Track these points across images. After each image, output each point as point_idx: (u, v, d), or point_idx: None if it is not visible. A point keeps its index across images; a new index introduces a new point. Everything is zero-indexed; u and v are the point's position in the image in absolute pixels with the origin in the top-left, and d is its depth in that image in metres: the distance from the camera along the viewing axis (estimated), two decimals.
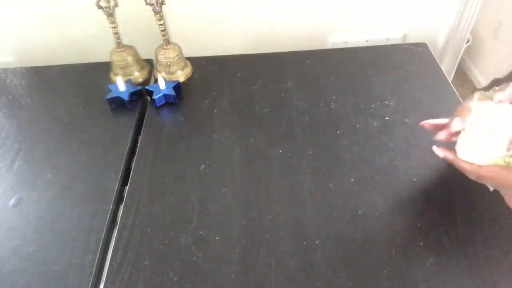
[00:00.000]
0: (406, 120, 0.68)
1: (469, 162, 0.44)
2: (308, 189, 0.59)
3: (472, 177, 0.45)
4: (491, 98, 0.44)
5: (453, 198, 0.56)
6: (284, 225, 0.55)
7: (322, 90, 0.75)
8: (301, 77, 0.79)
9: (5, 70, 0.86)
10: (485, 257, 0.50)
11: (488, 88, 0.46)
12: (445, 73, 0.78)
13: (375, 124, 0.68)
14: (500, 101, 0.43)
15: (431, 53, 0.83)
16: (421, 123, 0.52)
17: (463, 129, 0.45)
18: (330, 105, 0.72)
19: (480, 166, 0.43)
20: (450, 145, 0.48)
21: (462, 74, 2.00)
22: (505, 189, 0.44)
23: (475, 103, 0.45)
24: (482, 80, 1.87)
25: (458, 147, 0.46)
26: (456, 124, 0.46)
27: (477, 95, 0.46)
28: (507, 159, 0.42)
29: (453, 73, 1.04)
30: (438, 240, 0.52)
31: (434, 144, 0.49)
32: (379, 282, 0.48)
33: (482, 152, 0.44)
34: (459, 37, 0.94)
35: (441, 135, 0.48)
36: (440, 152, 0.48)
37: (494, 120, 0.43)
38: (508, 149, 0.42)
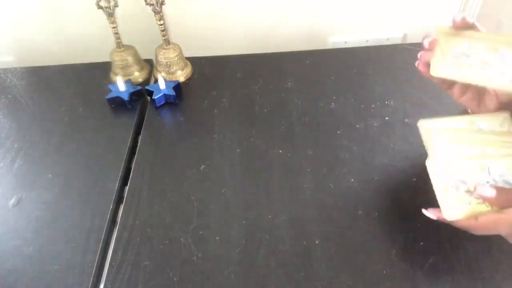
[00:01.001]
0: (406, 120, 0.68)
1: (464, 219, 0.42)
2: (308, 189, 0.59)
3: (476, 233, 0.42)
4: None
5: None
6: (284, 225, 0.55)
7: (322, 90, 0.75)
8: (301, 77, 0.79)
9: (5, 70, 0.85)
10: (486, 257, 0.50)
11: None
12: None
13: (375, 124, 0.68)
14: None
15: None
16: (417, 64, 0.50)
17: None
18: (330, 105, 0.72)
19: (476, 219, 0.41)
20: None
21: None
22: (510, 233, 0.42)
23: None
24: None
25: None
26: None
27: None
28: (476, 206, 0.42)
29: None
30: (438, 240, 0.52)
31: (424, 209, 0.47)
32: (379, 282, 0.48)
33: (460, 205, 0.42)
34: None
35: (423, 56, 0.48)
36: (432, 215, 0.46)
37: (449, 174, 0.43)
38: (470, 195, 0.42)
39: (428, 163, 0.45)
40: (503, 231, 0.41)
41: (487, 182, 0.42)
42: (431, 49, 0.47)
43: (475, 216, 0.41)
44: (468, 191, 0.42)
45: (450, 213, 0.43)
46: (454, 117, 0.46)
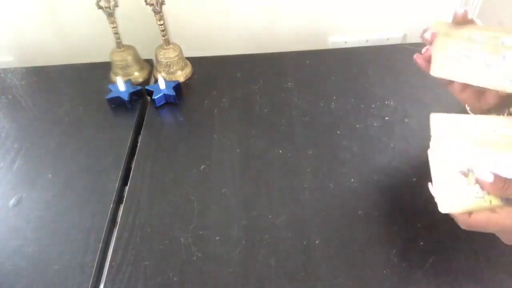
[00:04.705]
0: (406, 120, 0.68)
1: (457, 213, 0.42)
2: (308, 189, 0.59)
3: (463, 227, 0.42)
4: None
5: None
6: (284, 225, 0.55)
7: (322, 90, 0.75)
8: (301, 77, 0.79)
9: (5, 70, 0.85)
10: (486, 257, 0.50)
11: None
12: None
13: (375, 124, 0.68)
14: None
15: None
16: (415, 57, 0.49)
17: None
18: (330, 105, 0.72)
19: (469, 216, 0.41)
20: None
21: None
22: (501, 232, 0.42)
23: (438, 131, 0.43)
24: None
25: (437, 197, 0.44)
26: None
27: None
28: (487, 197, 0.41)
29: None
30: (438, 240, 0.52)
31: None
32: (379, 282, 0.48)
33: (458, 198, 0.41)
34: None
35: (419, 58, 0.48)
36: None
37: (460, 160, 0.41)
38: (482, 189, 0.41)
39: (432, 152, 0.43)
40: (492, 230, 0.41)
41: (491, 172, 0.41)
42: (431, 42, 0.46)
43: (469, 212, 0.41)
44: (467, 175, 0.41)
45: (446, 205, 0.42)
46: (470, 116, 0.45)
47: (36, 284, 0.50)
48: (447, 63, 0.45)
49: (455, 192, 0.42)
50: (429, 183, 0.43)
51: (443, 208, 0.42)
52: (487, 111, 0.48)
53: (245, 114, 0.72)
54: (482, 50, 0.43)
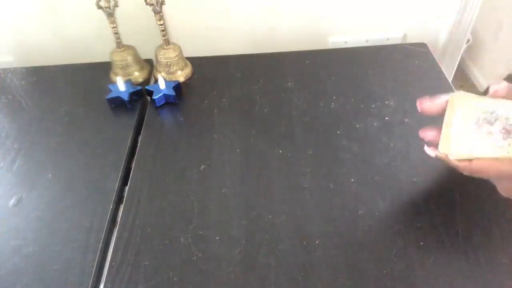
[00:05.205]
0: (406, 120, 0.68)
1: (459, 160, 0.43)
2: (308, 189, 0.59)
3: (465, 173, 0.44)
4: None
5: (453, 198, 0.56)
6: (284, 225, 0.55)
7: (322, 90, 0.75)
8: (301, 77, 0.79)
9: (5, 70, 0.85)
10: (486, 257, 0.50)
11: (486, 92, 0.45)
12: (445, 73, 0.78)
13: (375, 124, 0.68)
14: (495, 91, 0.42)
15: (431, 53, 0.83)
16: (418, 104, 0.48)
17: (449, 125, 0.43)
18: (330, 105, 0.72)
19: (470, 162, 0.42)
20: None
21: (462, 74, 2.00)
22: (498, 179, 0.44)
23: (460, 97, 0.43)
24: (482, 80, 1.87)
25: (443, 144, 0.44)
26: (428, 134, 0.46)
27: (459, 93, 0.43)
28: (506, 148, 0.41)
29: (453, 73, 1.04)
30: (438, 240, 0.52)
31: (426, 145, 0.48)
32: (379, 282, 0.48)
33: (477, 146, 0.42)
34: (459, 37, 0.94)
35: (428, 135, 0.46)
36: (431, 152, 0.47)
37: (486, 109, 0.41)
38: (504, 138, 0.41)
39: (455, 95, 0.43)
40: (492, 175, 0.43)
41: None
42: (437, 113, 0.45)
43: (469, 160, 0.42)
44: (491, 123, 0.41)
45: (456, 148, 0.42)
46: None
47: (36, 284, 0.50)
48: (461, 141, 0.43)
49: (472, 136, 0.42)
50: (425, 146, 0.45)
51: (451, 150, 0.42)
52: None
53: (245, 114, 0.72)
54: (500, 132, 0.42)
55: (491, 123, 0.41)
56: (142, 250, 0.53)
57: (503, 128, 0.41)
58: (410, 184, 0.59)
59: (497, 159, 0.41)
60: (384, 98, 0.73)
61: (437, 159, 0.47)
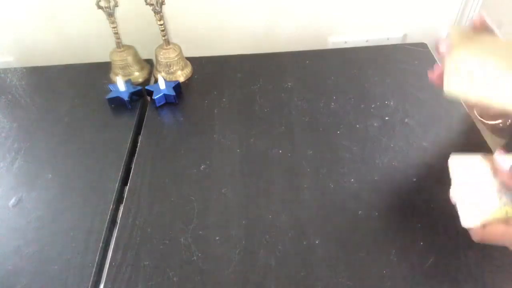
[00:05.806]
0: (406, 120, 0.68)
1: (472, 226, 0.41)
2: (308, 189, 0.59)
3: (476, 240, 0.41)
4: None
5: None
6: (284, 225, 0.55)
7: (322, 90, 0.75)
8: (301, 77, 0.79)
9: (5, 70, 0.85)
10: (486, 257, 0.50)
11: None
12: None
13: (375, 124, 0.68)
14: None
15: (431, 53, 0.83)
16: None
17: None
18: (330, 105, 0.72)
19: (483, 229, 0.40)
20: None
21: None
22: None
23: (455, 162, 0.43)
24: None
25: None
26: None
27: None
28: (503, 208, 0.40)
29: None
30: (438, 240, 0.52)
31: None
32: (379, 282, 0.48)
33: (477, 210, 0.41)
34: None
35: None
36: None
37: (477, 173, 0.41)
38: (499, 198, 0.40)
39: (452, 160, 0.43)
40: (508, 244, 0.40)
41: None
42: (448, 54, 0.44)
43: (483, 225, 0.40)
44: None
45: (470, 220, 0.41)
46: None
47: (36, 284, 0.50)
48: (460, 79, 0.43)
49: (477, 206, 0.41)
50: (451, 197, 0.43)
51: (467, 222, 0.41)
52: (494, 117, 0.47)
53: (245, 114, 0.72)
54: (497, 66, 0.41)
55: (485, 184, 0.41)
56: (142, 250, 0.53)
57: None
58: (410, 184, 0.59)
59: (509, 224, 0.39)
60: (384, 98, 0.73)
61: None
